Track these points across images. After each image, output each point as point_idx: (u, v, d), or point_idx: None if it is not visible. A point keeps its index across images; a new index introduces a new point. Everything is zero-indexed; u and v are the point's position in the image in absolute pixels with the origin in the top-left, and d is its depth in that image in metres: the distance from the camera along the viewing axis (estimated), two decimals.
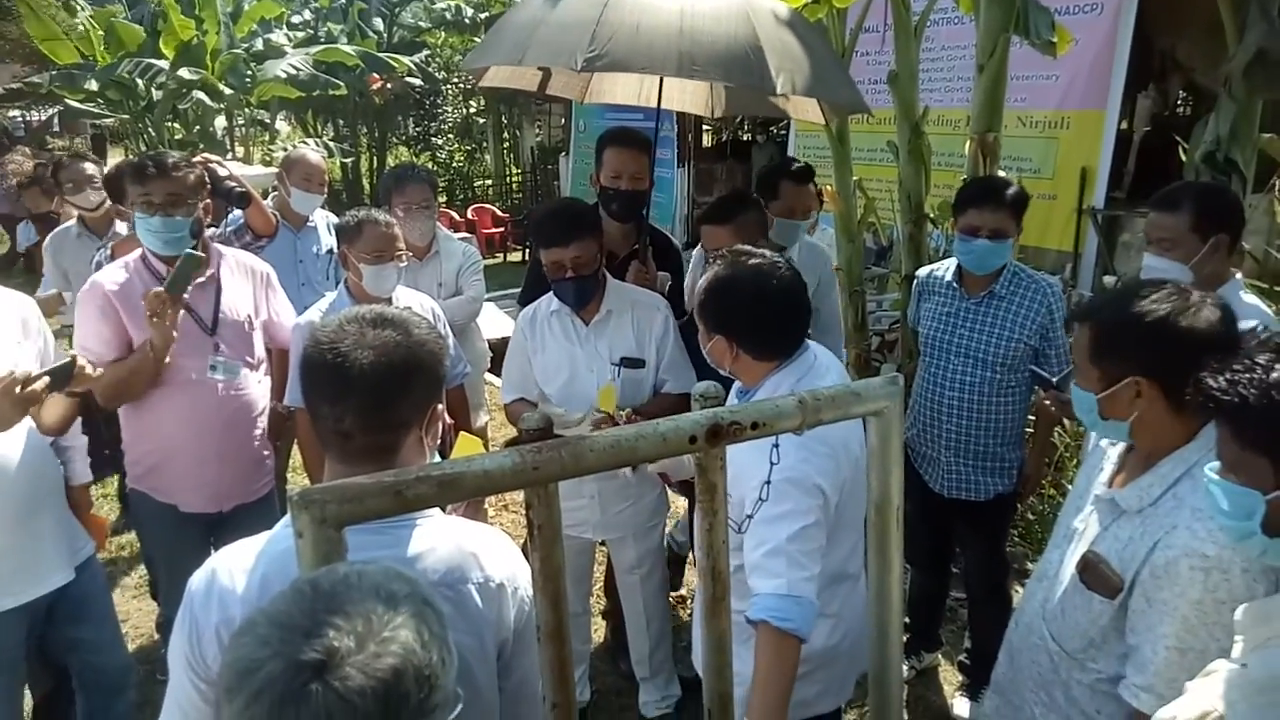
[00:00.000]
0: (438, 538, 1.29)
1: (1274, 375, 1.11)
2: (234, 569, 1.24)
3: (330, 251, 3.96)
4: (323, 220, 3.96)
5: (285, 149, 11.15)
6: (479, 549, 1.32)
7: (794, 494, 1.73)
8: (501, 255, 12.51)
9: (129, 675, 2.66)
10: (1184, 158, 3.61)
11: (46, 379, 2.16)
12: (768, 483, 1.70)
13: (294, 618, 0.80)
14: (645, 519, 2.86)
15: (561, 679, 1.17)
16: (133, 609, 3.79)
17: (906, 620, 3.36)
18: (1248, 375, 1.13)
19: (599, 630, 3.52)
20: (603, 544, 3.05)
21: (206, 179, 2.77)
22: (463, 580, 1.28)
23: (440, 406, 1.36)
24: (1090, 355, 1.56)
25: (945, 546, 3.22)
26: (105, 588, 2.62)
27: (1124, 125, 7.43)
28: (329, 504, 0.98)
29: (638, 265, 2.96)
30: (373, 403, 1.24)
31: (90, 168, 4.13)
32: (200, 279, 2.69)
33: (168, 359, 2.58)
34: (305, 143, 12.75)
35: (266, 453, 2.91)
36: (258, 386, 2.82)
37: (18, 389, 2.07)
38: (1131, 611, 1.52)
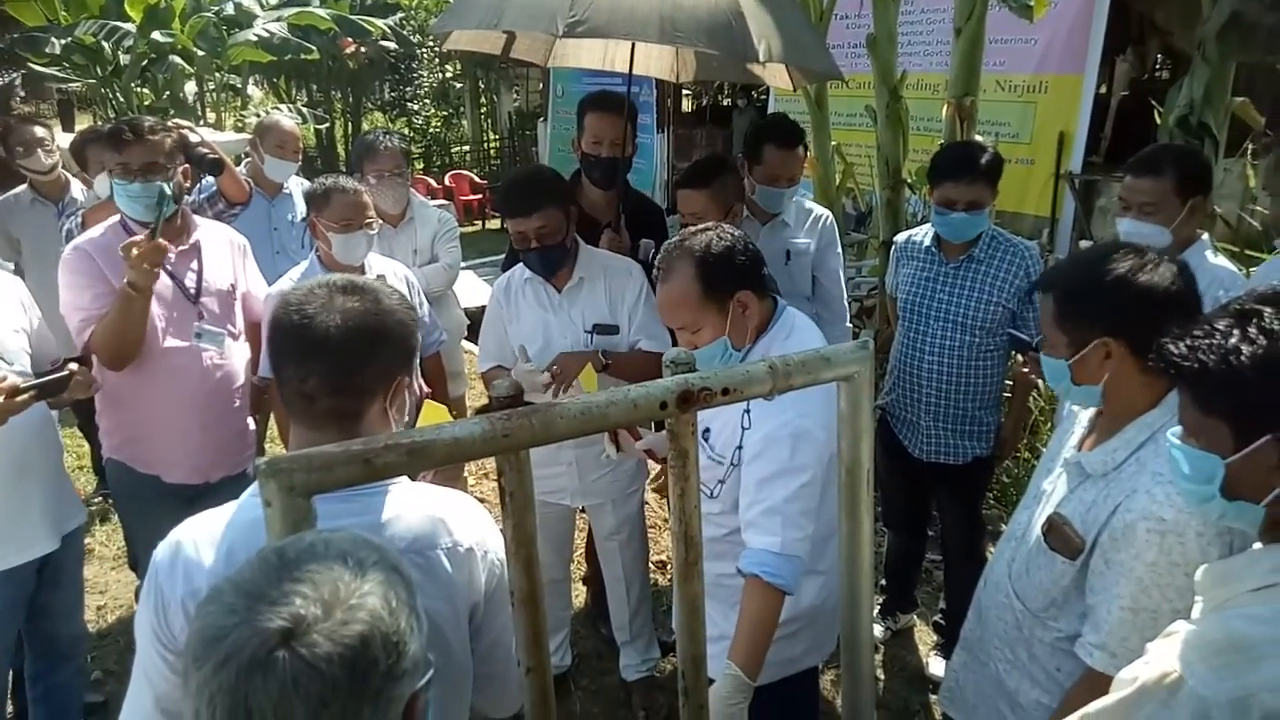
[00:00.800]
0: (406, 504, 1.29)
1: (1232, 341, 1.12)
2: (199, 540, 1.23)
3: (305, 219, 3.91)
4: (297, 187, 3.90)
5: (258, 115, 10.95)
6: (447, 514, 1.33)
7: (799, 450, 1.76)
8: (480, 223, 12.42)
9: (80, 645, 2.70)
10: (1159, 121, 3.62)
11: (35, 392, 2.18)
12: (746, 411, 1.70)
13: (260, 586, 0.80)
14: (624, 485, 2.88)
15: (536, 644, 1.18)
16: (111, 580, 3.78)
17: (883, 582, 3.42)
18: (1207, 341, 1.14)
19: (580, 596, 3.56)
20: (583, 510, 3.07)
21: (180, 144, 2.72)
22: (431, 546, 1.29)
23: (408, 379, 1.35)
24: (1056, 322, 1.58)
25: (923, 510, 3.27)
26: (81, 558, 2.65)
27: (1102, 89, 7.44)
28: (296, 472, 0.98)
29: (610, 233, 2.94)
30: (336, 365, 1.24)
31: (40, 130, 4.04)
32: (183, 246, 2.66)
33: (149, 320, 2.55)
34: (279, 109, 12.53)
35: (250, 425, 2.89)
36: (239, 358, 2.80)
37: (2, 399, 2.09)
38: (1090, 572, 1.56)
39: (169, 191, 2.53)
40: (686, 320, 1.88)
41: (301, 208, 3.85)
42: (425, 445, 1.03)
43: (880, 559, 3.46)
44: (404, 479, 1.33)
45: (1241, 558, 1.19)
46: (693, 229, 1.94)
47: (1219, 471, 1.15)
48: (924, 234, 3.00)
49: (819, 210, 3.28)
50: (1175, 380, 1.20)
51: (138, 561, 3.56)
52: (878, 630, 3.39)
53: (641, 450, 2.29)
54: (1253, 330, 1.12)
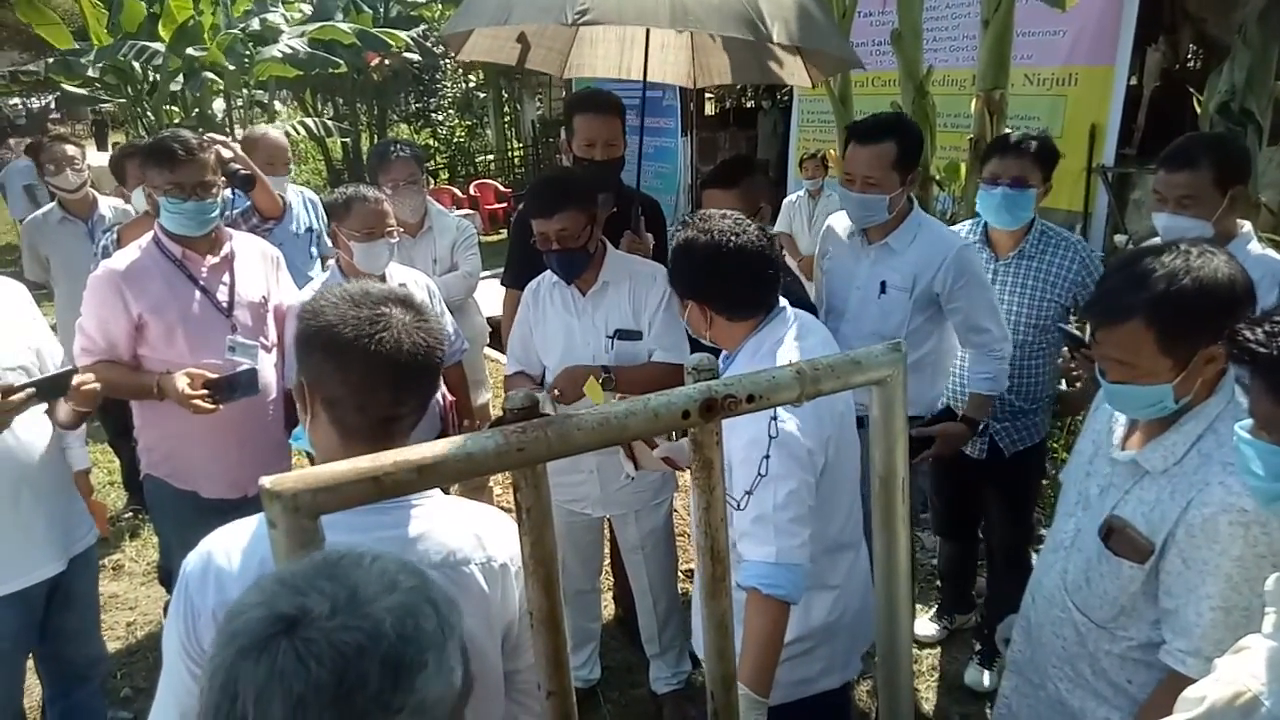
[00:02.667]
0: (439, 518, 1.27)
1: None
2: (230, 550, 1.21)
3: (310, 229, 3.90)
4: (296, 198, 3.88)
5: (286, 130, 11.04)
6: (481, 529, 1.30)
7: (780, 458, 1.70)
8: (505, 231, 12.43)
9: (97, 667, 2.65)
10: (1198, 110, 3.51)
11: (32, 390, 2.11)
12: (767, 457, 1.65)
13: (293, 577, 0.77)
14: (649, 497, 2.82)
15: (556, 666, 1.13)
16: (142, 595, 3.79)
17: (939, 584, 3.34)
18: None
19: (609, 608, 3.50)
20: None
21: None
22: (465, 561, 1.26)
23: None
24: (1160, 348, 1.45)
25: (972, 510, 3.18)
26: (95, 580, 2.60)
27: (1133, 81, 7.27)
28: (302, 493, 0.94)
29: (630, 235, 2.89)
30: (424, 385, 1.27)
31: (71, 149, 4.08)
32: (214, 259, 2.66)
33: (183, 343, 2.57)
34: (304, 124, 12.66)
35: (283, 437, 2.87)
36: (273, 370, 2.78)
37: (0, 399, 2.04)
38: (1166, 574, 1.47)
39: (218, 211, 2.56)
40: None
41: (303, 218, 3.83)
42: (436, 461, 0.99)
43: (916, 563, 3.38)
44: (436, 491, 1.30)
45: None
46: (711, 210, 1.92)
47: None
48: (968, 230, 2.91)
49: (949, 240, 2.67)
50: (1250, 368, 1.12)
51: (170, 576, 3.56)
52: (933, 630, 3.33)
53: (660, 460, 2.24)
54: None
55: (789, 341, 1.86)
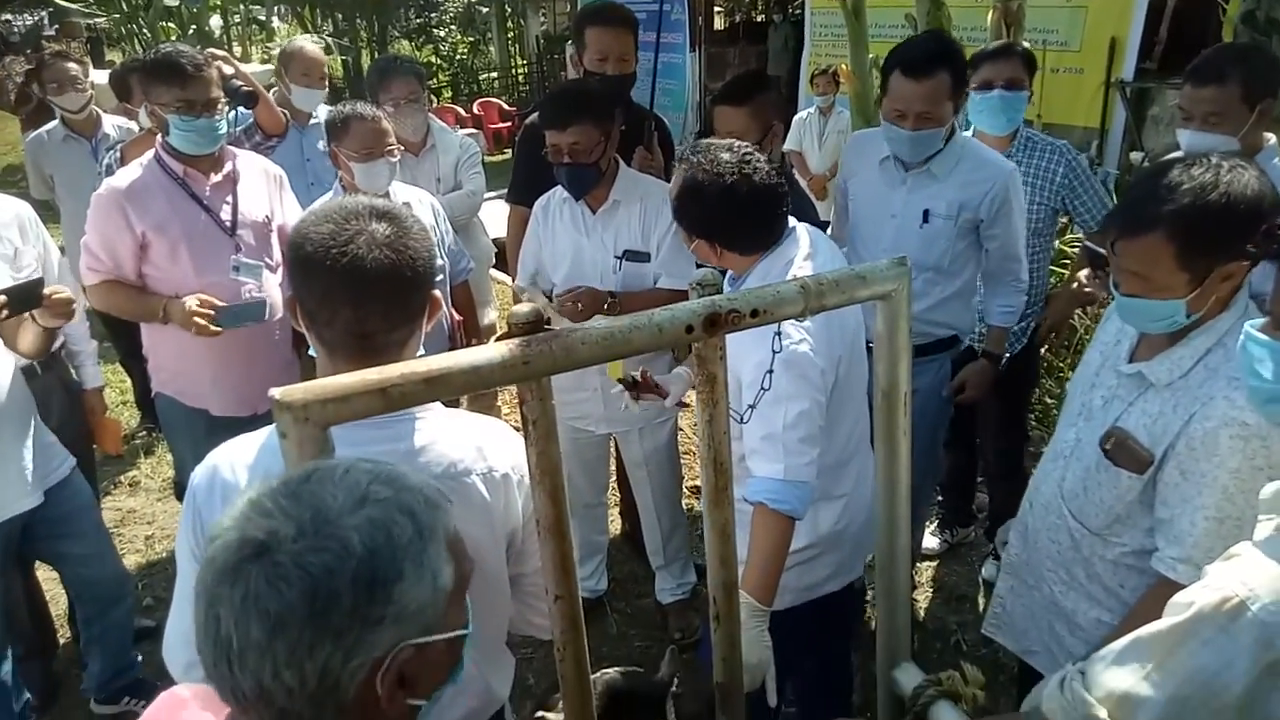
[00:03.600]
0: (440, 430, 1.29)
1: None
2: (235, 463, 1.24)
3: None
4: (327, 116, 3.82)
5: (283, 47, 10.78)
6: (482, 440, 1.32)
7: (790, 377, 1.70)
8: (510, 151, 12.25)
9: (123, 586, 2.71)
10: (1224, 19, 3.40)
11: (2, 298, 2.06)
12: (770, 371, 1.66)
13: (264, 498, 0.79)
14: (652, 415, 2.84)
15: (564, 572, 1.16)
16: (158, 510, 3.88)
17: (939, 498, 3.40)
18: None
19: (615, 522, 3.58)
20: None
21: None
22: (466, 472, 1.28)
23: (437, 294, 1.34)
24: (1179, 262, 1.43)
25: (969, 423, 3.20)
26: (90, 504, 2.61)
27: None
28: (311, 404, 0.95)
29: (642, 151, 2.84)
30: (394, 300, 1.23)
31: (73, 67, 4.00)
32: (217, 178, 2.64)
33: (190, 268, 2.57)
34: (304, 38, 12.34)
35: (292, 356, 2.89)
36: (278, 290, 2.78)
37: None
38: (1164, 485, 1.50)
39: (226, 128, 2.52)
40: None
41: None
42: (442, 374, 1.00)
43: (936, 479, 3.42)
44: (437, 405, 1.31)
45: None
46: (714, 142, 1.85)
47: None
48: None
49: (999, 165, 2.53)
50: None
51: (184, 492, 3.63)
52: (934, 543, 3.40)
53: (670, 404, 2.27)
54: None
55: (799, 262, 1.84)
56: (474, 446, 1.30)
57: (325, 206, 1.27)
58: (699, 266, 2.10)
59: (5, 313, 2.09)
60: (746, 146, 1.85)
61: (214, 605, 0.75)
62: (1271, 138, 2.30)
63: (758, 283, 1.85)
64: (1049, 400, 4.26)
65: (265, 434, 1.26)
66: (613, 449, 3.17)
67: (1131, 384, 1.59)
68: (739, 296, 1.13)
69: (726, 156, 1.79)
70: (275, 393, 0.96)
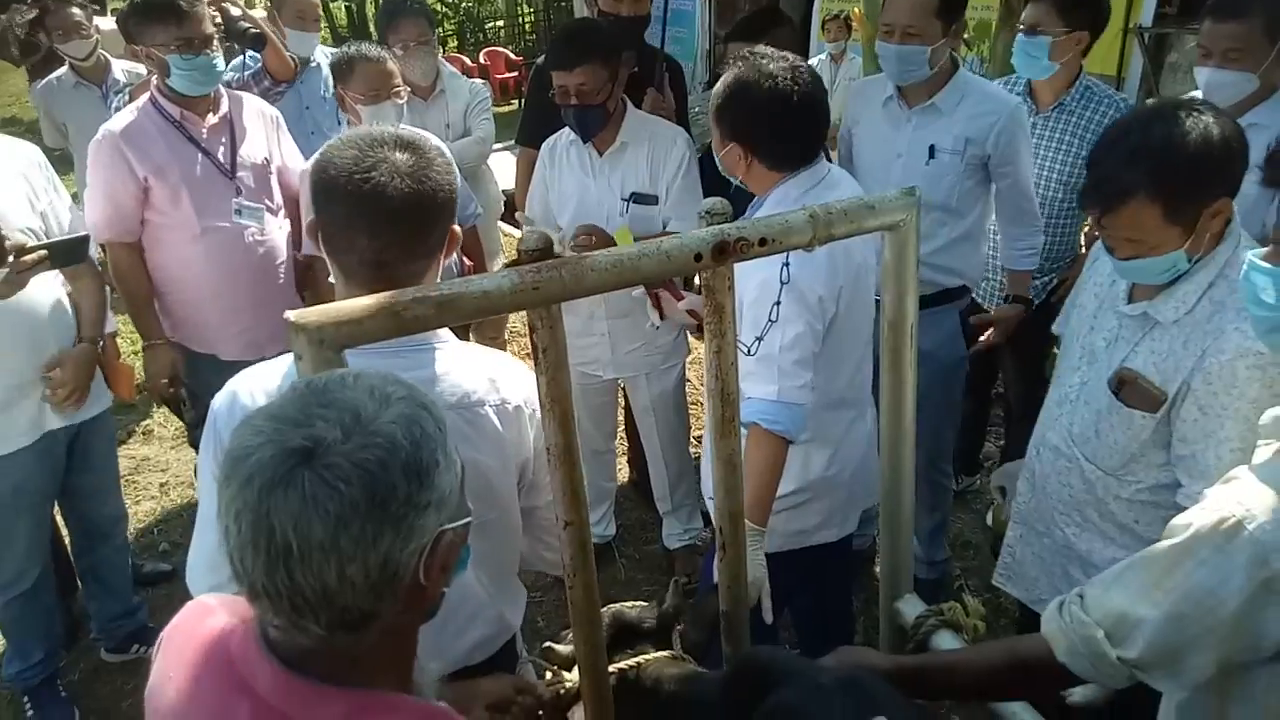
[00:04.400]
0: (454, 362, 1.30)
1: None
2: (254, 389, 1.26)
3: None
4: (325, 61, 3.78)
5: None
6: (495, 373, 1.34)
7: (789, 301, 1.71)
8: (517, 101, 12.10)
9: (119, 525, 2.78)
10: None
11: (44, 253, 2.10)
12: (778, 303, 1.67)
13: (287, 410, 0.81)
14: (659, 360, 2.86)
15: (574, 498, 1.18)
16: (172, 458, 3.93)
17: None
18: None
19: (624, 470, 3.62)
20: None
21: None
22: (480, 403, 1.30)
23: (457, 228, 1.34)
24: (1167, 219, 1.43)
25: (986, 369, 3.19)
26: (112, 442, 2.71)
27: None
28: (326, 326, 0.96)
29: (654, 93, 2.82)
30: (414, 231, 1.24)
31: (77, 13, 3.96)
32: (213, 120, 2.63)
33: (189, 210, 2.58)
34: None
35: (296, 299, 2.90)
36: (280, 233, 2.79)
37: (11, 258, 2.03)
38: (1182, 422, 1.50)
39: (238, 73, 2.51)
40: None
41: (332, 80, 3.74)
42: (454, 298, 1.01)
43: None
44: (451, 339, 1.33)
45: None
46: (765, 50, 1.84)
47: None
48: (1013, 83, 2.84)
49: (1003, 99, 2.51)
50: None
51: (198, 441, 3.68)
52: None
53: (685, 313, 2.26)
54: None
55: (815, 192, 1.83)
56: (487, 378, 1.32)
57: (351, 133, 1.28)
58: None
59: (48, 264, 2.13)
60: (796, 58, 1.83)
61: (264, 517, 0.77)
62: None
63: (773, 208, 1.84)
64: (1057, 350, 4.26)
65: (285, 361, 1.27)
66: (620, 396, 3.19)
67: (1135, 324, 1.59)
68: (747, 225, 1.13)
69: (778, 63, 1.79)
70: (290, 315, 0.97)
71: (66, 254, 2.21)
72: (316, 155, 1.29)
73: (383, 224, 1.21)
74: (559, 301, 1.07)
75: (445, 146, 3.01)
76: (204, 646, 0.91)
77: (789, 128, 1.80)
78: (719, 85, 1.85)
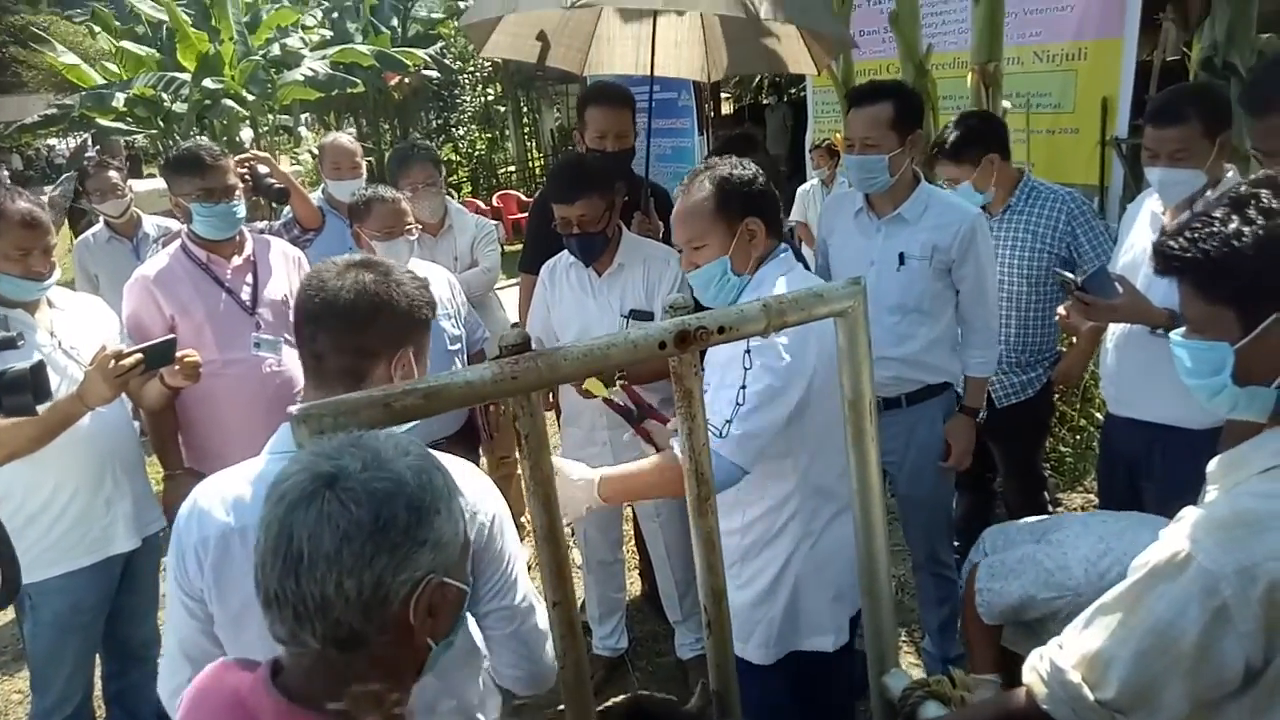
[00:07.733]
0: None
1: (1232, 226, 1.12)
2: (210, 495, 1.37)
3: None
4: (349, 200, 4.02)
5: (312, 153, 11.32)
6: (463, 482, 1.38)
7: (755, 369, 1.78)
8: None
9: (153, 648, 2.79)
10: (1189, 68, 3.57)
11: (140, 356, 2.25)
12: (744, 387, 1.76)
13: (324, 449, 0.97)
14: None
15: (560, 578, 1.25)
16: None
17: (957, 543, 3.40)
18: (1207, 230, 1.14)
19: (634, 584, 3.62)
20: None
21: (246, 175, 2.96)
22: None
23: (413, 351, 1.42)
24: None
25: (984, 463, 3.22)
26: (159, 564, 2.78)
27: (1148, 55, 7.25)
28: (325, 417, 1.07)
29: (641, 216, 3.01)
30: (343, 325, 1.36)
31: (114, 175, 4.31)
32: (238, 261, 2.83)
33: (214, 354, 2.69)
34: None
35: None
36: (297, 365, 2.93)
37: (111, 363, 2.19)
38: None
39: (244, 213, 2.75)
40: (695, 232, 1.94)
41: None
42: (440, 388, 1.12)
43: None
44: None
45: (1248, 444, 1.19)
46: (718, 159, 2.01)
47: (1229, 359, 1.15)
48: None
49: (965, 208, 2.63)
50: (1177, 275, 1.19)
51: None
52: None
53: (671, 428, 2.34)
54: (1251, 212, 1.12)
55: (788, 279, 1.93)
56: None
57: (344, 258, 1.45)
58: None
59: (142, 369, 2.27)
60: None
61: (287, 529, 0.91)
62: (1231, 169, 2.42)
63: (753, 292, 1.94)
64: (1063, 449, 4.28)
65: (242, 467, 1.42)
66: (626, 506, 3.24)
67: None
68: (707, 315, 1.25)
69: (741, 161, 1.99)
70: (293, 409, 1.08)
71: (158, 357, 2.33)
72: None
73: (322, 316, 1.37)
74: (536, 389, 1.18)
75: (453, 276, 3.24)
76: (218, 693, 1.03)
77: (776, 202, 2.01)
78: (711, 187, 1.95)
